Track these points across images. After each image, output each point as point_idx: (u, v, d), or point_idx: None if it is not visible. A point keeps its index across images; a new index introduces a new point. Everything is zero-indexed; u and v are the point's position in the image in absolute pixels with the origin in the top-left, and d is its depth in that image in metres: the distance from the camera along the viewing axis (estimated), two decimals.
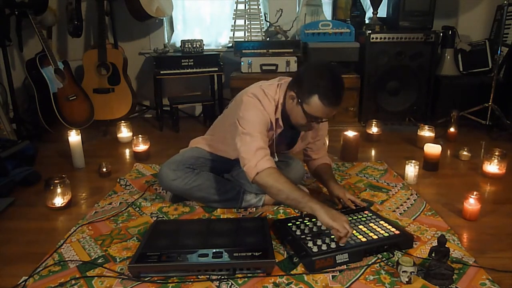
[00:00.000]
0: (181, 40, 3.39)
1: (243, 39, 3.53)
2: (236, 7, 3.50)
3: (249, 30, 3.55)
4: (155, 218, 1.78)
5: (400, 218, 1.76)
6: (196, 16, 3.69)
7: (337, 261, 1.38)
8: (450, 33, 3.43)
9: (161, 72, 3.23)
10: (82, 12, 3.31)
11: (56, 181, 1.88)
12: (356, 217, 1.65)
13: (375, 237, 1.49)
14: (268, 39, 3.54)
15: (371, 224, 1.59)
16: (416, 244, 1.54)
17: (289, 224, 1.58)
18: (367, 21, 3.53)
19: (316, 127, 1.75)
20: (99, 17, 3.13)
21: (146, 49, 3.67)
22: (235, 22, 3.51)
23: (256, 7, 3.50)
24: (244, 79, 3.13)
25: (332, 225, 1.38)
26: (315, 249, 1.40)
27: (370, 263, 1.42)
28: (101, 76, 3.20)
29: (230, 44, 3.59)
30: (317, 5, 3.58)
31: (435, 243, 1.35)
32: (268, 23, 3.57)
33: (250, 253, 1.37)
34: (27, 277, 1.35)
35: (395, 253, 1.47)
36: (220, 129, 1.88)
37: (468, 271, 1.38)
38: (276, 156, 1.74)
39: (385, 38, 3.21)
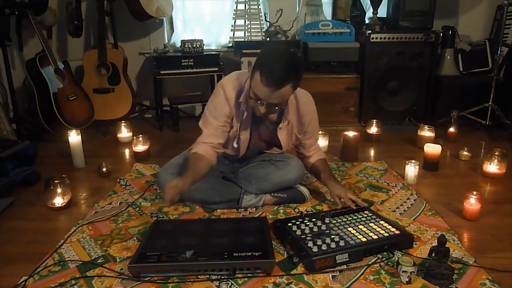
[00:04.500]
0: (181, 40, 3.39)
1: (243, 39, 3.53)
2: (236, 7, 3.50)
3: (249, 30, 3.55)
4: (155, 218, 1.78)
5: (400, 218, 1.76)
6: (196, 16, 3.68)
7: (337, 261, 1.38)
8: (450, 33, 3.43)
9: (161, 72, 3.23)
10: (82, 12, 3.31)
11: (56, 181, 1.88)
12: (356, 217, 1.65)
13: (375, 237, 1.49)
14: (268, 39, 3.54)
15: (371, 224, 1.59)
16: (416, 244, 1.54)
17: (289, 224, 1.58)
18: (367, 21, 3.53)
19: (271, 113, 1.65)
20: (99, 17, 3.13)
21: (146, 49, 3.67)
22: (235, 22, 3.51)
23: (256, 7, 3.50)
24: None
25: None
26: (315, 249, 1.40)
27: (370, 263, 1.42)
28: (101, 76, 3.20)
29: (230, 44, 3.59)
30: (317, 5, 3.58)
31: (435, 243, 1.35)
32: (268, 23, 3.57)
33: (250, 253, 1.36)
34: (27, 277, 1.35)
35: (395, 253, 1.47)
36: None
37: (468, 271, 1.38)
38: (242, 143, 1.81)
39: (385, 38, 3.21)
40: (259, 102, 1.56)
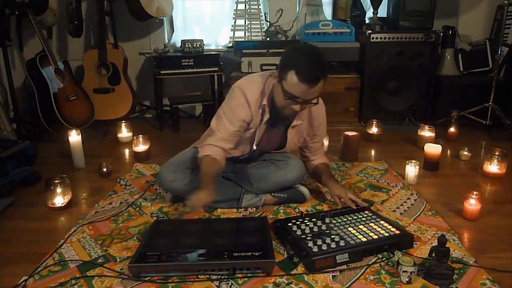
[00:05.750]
0: (181, 40, 3.39)
1: (243, 39, 3.53)
2: (236, 7, 3.50)
3: (249, 30, 3.55)
4: (155, 218, 1.78)
5: (400, 218, 1.76)
6: (196, 16, 3.69)
7: (337, 261, 1.38)
8: (450, 33, 3.43)
9: (161, 72, 3.23)
10: (82, 12, 3.31)
11: (56, 181, 1.88)
12: (356, 217, 1.64)
13: (375, 237, 1.49)
14: (268, 39, 3.54)
15: (371, 224, 1.58)
16: (416, 244, 1.54)
17: (289, 224, 1.58)
18: (367, 21, 3.53)
19: (301, 112, 1.69)
20: (99, 17, 3.13)
21: (146, 49, 3.67)
22: (235, 22, 3.51)
23: (256, 7, 3.50)
24: None
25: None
26: (315, 249, 1.40)
27: (370, 263, 1.41)
28: (101, 76, 3.20)
29: (230, 44, 3.59)
30: (317, 5, 3.58)
31: (435, 243, 1.35)
32: (268, 23, 3.57)
33: (250, 253, 1.36)
34: (27, 277, 1.35)
35: (395, 253, 1.47)
36: None
37: (468, 271, 1.38)
38: (255, 146, 1.80)
39: (385, 38, 3.21)
40: (292, 100, 1.57)
